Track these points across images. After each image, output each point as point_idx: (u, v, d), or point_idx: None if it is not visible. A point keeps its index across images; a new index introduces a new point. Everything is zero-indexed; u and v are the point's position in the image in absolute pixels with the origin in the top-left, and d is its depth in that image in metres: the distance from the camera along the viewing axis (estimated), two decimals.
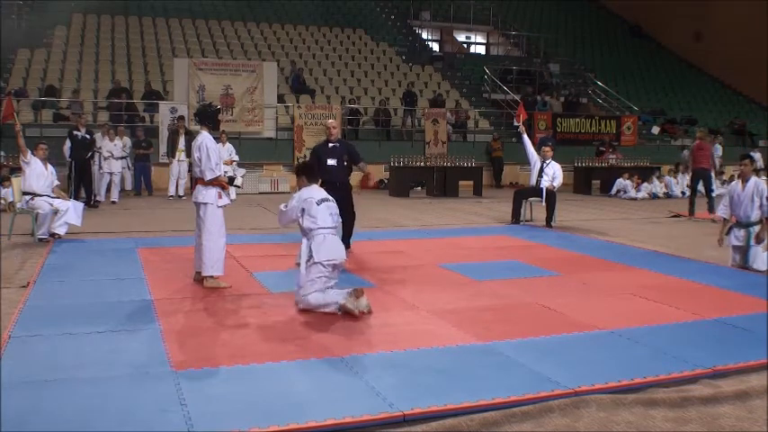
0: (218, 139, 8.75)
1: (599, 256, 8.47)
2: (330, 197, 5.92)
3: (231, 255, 7.36)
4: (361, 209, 9.83)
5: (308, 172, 6.13)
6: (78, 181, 12.63)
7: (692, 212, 12.84)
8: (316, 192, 5.90)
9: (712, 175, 13.73)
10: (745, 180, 7.82)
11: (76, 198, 11.31)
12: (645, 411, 3.72)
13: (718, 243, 8.02)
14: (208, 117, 6.53)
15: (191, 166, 14.81)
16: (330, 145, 8.28)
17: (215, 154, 6.34)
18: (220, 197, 6.39)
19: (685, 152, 20.24)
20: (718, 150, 19.81)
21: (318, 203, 5.76)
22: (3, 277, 6.51)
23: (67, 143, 13.07)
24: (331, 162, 8.14)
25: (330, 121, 8.80)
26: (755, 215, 7.65)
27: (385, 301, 6.01)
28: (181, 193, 14.59)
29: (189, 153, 14.60)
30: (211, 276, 6.35)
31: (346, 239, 8.51)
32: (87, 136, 12.94)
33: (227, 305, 5.82)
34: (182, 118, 15.42)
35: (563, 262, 8.01)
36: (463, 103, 21.70)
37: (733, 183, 8.51)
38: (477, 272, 7.28)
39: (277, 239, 9.44)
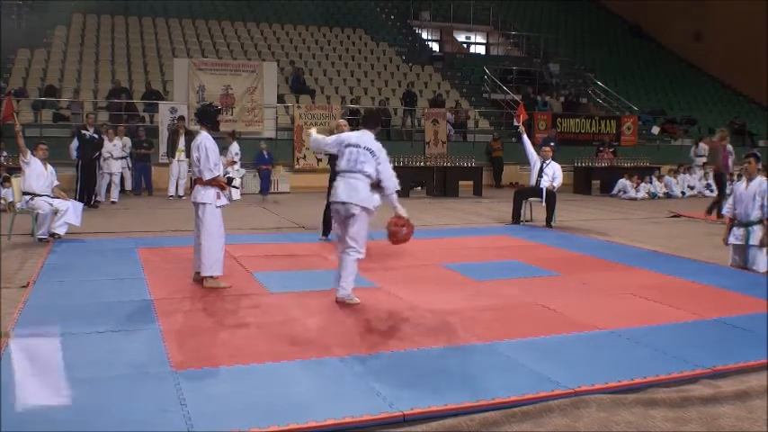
0: (221, 140, 8.87)
1: (599, 256, 8.47)
2: (359, 143, 5.82)
3: (231, 255, 7.36)
4: None
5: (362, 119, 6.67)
6: (84, 181, 12.60)
7: (718, 215, 12.58)
8: (352, 136, 5.96)
9: (725, 176, 13.45)
10: (750, 179, 7.78)
11: (81, 198, 11.29)
12: (645, 411, 3.72)
13: (723, 242, 8.01)
14: (207, 117, 6.53)
15: (191, 165, 14.82)
16: None
17: (214, 154, 6.34)
18: (219, 197, 6.39)
19: (692, 150, 20.23)
20: (702, 150, 19.85)
21: (345, 146, 5.84)
22: (3, 277, 6.50)
23: (74, 143, 13.05)
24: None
25: (341, 120, 9.62)
26: (755, 215, 7.63)
27: (385, 301, 6.01)
28: (181, 193, 14.58)
29: (189, 153, 14.59)
30: (211, 276, 6.35)
31: None
32: (96, 136, 12.92)
33: (227, 305, 5.82)
34: (182, 118, 15.43)
35: (563, 262, 8.01)
36: (463, 103, 21.70)
37: (738, 181, 8.46)
38: (477, 272, 7.28)
39: (277, 239, 9.44)
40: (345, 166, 5.77)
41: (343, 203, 5.69)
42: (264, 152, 15.85)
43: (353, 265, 5.80)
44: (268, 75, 17.85)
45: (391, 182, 5.80)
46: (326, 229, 9.27)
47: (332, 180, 9.10)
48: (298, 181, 16.92)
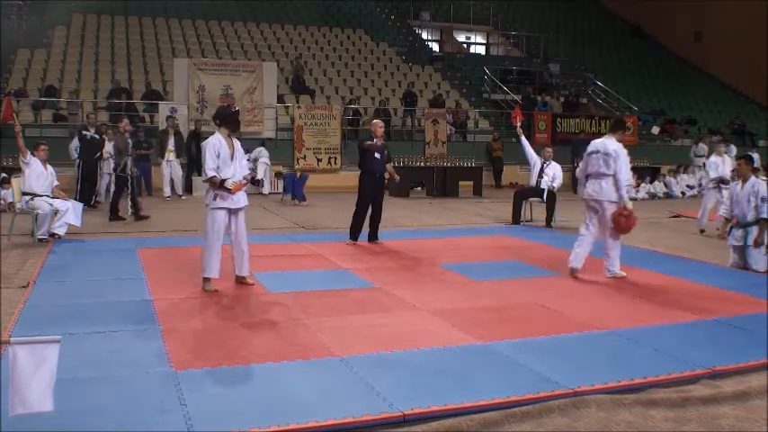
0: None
1: (599, 256, 8.45)
2: (599, 149, 7.11)
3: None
4: None
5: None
6: (85, 182, 12.56)
7: None
8: (596, 144, 7.31)
9: None
10: (744, 180, 7.91)
11: (81, 198, 11.27)
12: (645, 411, 3.72)
13: (719, 235, 8.17)
14: (226, 119, 6.40)
15: (183, 165, 14.76)
16: (376, 141, 9.30)
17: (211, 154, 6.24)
18: (215, 199, 6.37)
19: (692, 150, 20.15)
20: (702, 150, 19.79)
21: (589, 154, 7.25)
22: (3, 277, 6.50)
23: (74, 143, 12.99)
24: (377, 155, 9.16)
25: (377, 121, 9.95)
26: (751, 215, 7.73)
27: (385, 301, 6.01)
28: (180, 192, 14.54)
29: (179, 153, 14.54)
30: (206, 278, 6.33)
31: (374, 231, 9.15)
32: (97, 136, 12.89)
33: (228, 305, 5.83)
34: (172, 118, 15.23)
35: (563, 262, 7.97)
36: (463, 104, 21.69)
37: (733, 183, 8.60)
38: (477, 272, 7.28)
39: (277, 239, 9.44)
40: (591, 169, 7.16)
41: (594, 199, 7.15)
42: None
43: (612, 244, 7.18)
44: (268, 75, 17.83)
45: (622, 177, 6.95)
46: (354, 232, 9.14)
47: (361, 182, 9.19)
48: None
